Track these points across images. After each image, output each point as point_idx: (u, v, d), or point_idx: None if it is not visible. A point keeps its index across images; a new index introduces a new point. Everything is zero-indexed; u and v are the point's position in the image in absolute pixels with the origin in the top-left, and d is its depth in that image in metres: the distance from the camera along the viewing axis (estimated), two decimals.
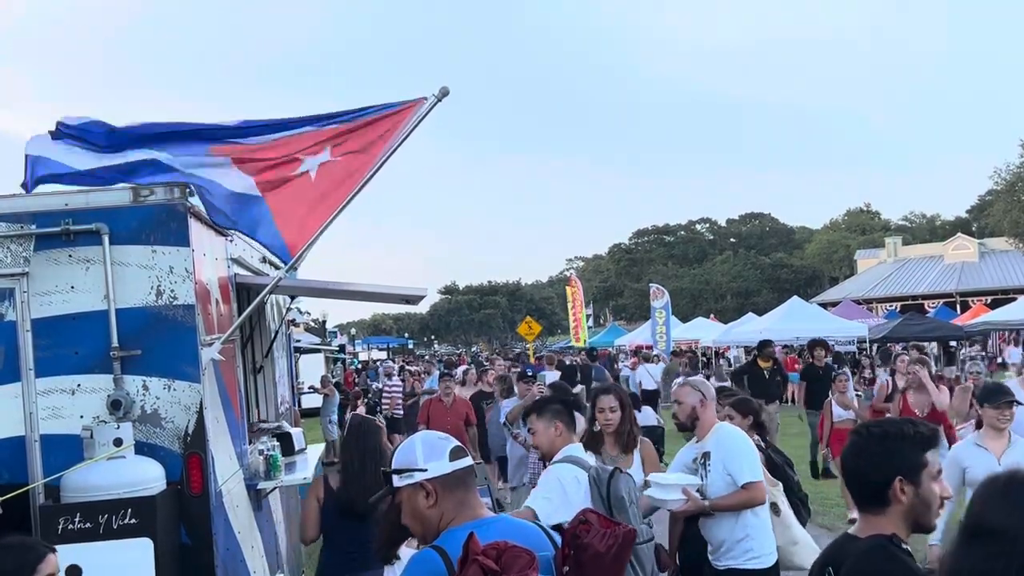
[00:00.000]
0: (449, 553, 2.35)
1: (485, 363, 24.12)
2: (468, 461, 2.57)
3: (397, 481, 2.56)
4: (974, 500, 1.97)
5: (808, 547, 5.25)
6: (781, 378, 14.43)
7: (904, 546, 2.37)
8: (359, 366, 41.90)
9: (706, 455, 4.90)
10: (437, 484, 2.51)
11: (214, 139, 5.00)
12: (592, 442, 5.48)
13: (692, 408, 5.01)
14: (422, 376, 20.94)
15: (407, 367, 27.02)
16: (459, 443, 2.60)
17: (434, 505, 2.52)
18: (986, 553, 1.82)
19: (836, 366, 14.95)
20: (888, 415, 8.08)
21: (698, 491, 4.78)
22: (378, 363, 37.89)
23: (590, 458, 4.60)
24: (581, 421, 7.04)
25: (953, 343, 26.12)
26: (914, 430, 2.44)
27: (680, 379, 5.48)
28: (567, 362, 18.84)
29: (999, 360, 28.37)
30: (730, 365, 30.61)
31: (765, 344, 14.79)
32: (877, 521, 2.42)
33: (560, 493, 4.34)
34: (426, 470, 2.51)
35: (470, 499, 2.55)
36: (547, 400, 4.86)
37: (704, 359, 30.94)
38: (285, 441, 6.35)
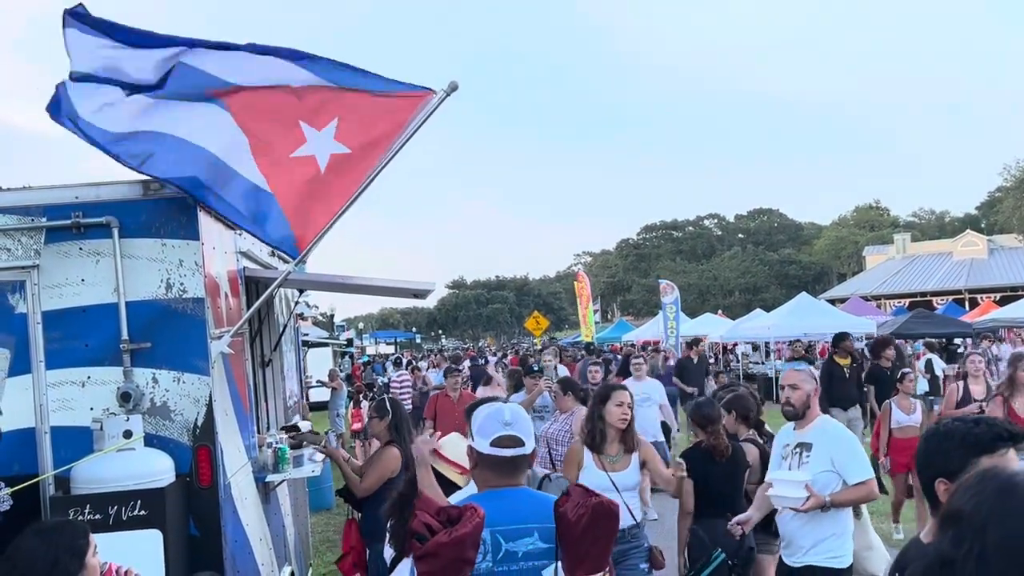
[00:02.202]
0: None
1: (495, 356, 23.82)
2: (510, 452, 2.71)
3: None
4: (954, 489, 1.94)
5: (880, 553, 5.08)
6: (861, 379, 11.81)
7: None
8: (367, 360, 41.94)
9: (803, 445, 4.73)
10: (475, 455, 2.79)
11: (211, 79, 4.78)
12: (594, 439, 5.33)
13: (808, 396, 4.77)
14: (428, 372, 20.91)
15: (414, 362, 26.93)
16: (516, 435, 2.71)
17: (475, 468, 2.81)
18: (953, 538, 1.81)
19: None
20: None
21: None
22: (387, 358, 37.93)
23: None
24: (581, 412, 7.00)
25: (957, 340, 25.98)
26: (968, 430, 2.18)
27: (798, 365, 5.10)
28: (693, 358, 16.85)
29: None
30: (738, 361, 30.57)
31: (842, 337, 12.32)
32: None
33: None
34: (474, 439, 2.80)
35: (497, 480, 2.73)
36: (476, 405, 4.78)
37: (713, 356, 30.80)
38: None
